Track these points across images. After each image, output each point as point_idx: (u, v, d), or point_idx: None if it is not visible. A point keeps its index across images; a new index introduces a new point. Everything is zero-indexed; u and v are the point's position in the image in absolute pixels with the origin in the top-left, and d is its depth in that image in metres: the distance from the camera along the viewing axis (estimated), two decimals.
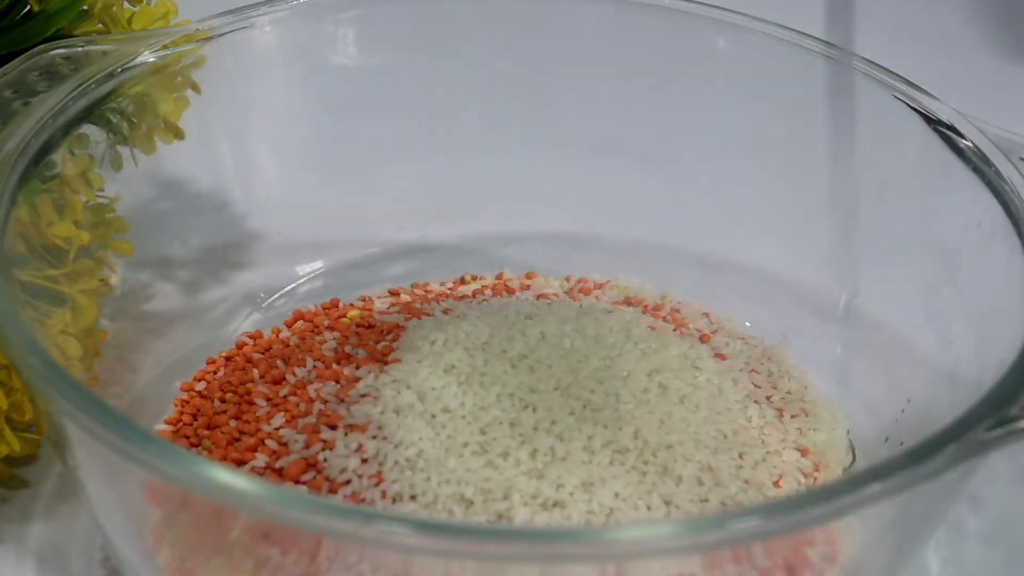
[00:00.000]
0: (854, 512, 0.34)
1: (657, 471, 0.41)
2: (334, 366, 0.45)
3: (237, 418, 0.44)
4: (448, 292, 0.52)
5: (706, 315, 0.51)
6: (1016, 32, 0.73)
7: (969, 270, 0.44)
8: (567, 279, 0.53)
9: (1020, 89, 0.69)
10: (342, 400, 0.43)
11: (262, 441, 0.42)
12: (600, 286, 0.53)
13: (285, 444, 0.42)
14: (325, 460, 0.41)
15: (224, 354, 0.48)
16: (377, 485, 0.40)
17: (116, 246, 0.46)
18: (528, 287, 0.53)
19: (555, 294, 0.52)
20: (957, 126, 0.45)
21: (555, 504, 0.39)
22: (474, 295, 0.51)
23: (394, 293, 0.52)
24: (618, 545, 0.32)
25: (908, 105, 0.47)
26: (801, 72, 0.49)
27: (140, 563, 0.38)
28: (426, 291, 0.52)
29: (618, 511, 0.39)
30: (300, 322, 0.50)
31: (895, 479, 0.33)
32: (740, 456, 0.42)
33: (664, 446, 0.41)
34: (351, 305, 0.51)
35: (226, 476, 0.32)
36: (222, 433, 0.43)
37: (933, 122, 0.46)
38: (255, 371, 0.46)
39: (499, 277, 0.53)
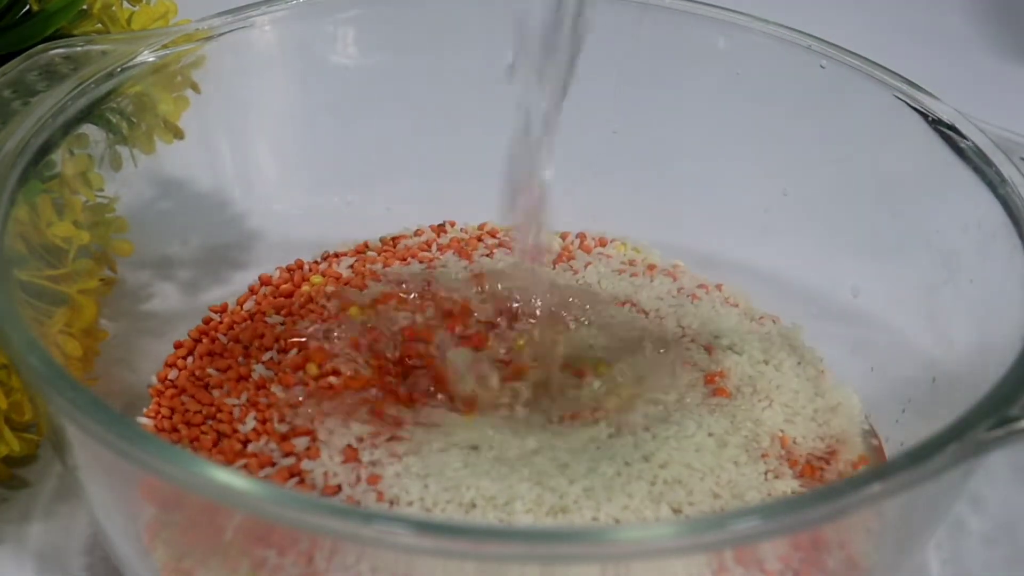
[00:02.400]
0: (854, 512, 0.34)
1: (667, 482, 0.41)
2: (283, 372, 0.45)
3: (212, 417, 0.44)
4: (420, 250, 0.52)
5: (719, 287, 0.51)
6: (1016, 32, 0.73)
7: (969, 270, 0.44)
8: (563, 236, 0.53)
9: (1020, 89, 0.68)
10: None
11: (244, 444, 0.42)
12: (603, 243, 0.53)
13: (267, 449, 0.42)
14: (311, 469, 0.41)
15: (192, 333, 0.48)
16: (372, 486, 0.40)
17: (116, 246, 0.46)
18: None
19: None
20: (957, 126, 0.45)
21: (560, 511, 0.39)
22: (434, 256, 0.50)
23: (360, 250, 0.52)
24: (618, 545, 0.32)
25: (908, 105, 0.47)
26: (801, 72, 0.49)
27: (139, 564, 0.38)
28: (395, 245, 0.52)
29: (624, 520, 0.39)
30: (265, 288, 0.50)
31: (895, 479, 0.33)
32: (763, 464, 0.42)
33: (682, 464, 0.41)
34: (315, 263, 0.51)
35: (226, 476, 0.32)
36: (201, 432, 0.43)
37: (933, 122, 0.46)
38: (213, 370, 0.46)
39: (481, 227, 0.53)
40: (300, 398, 0.43)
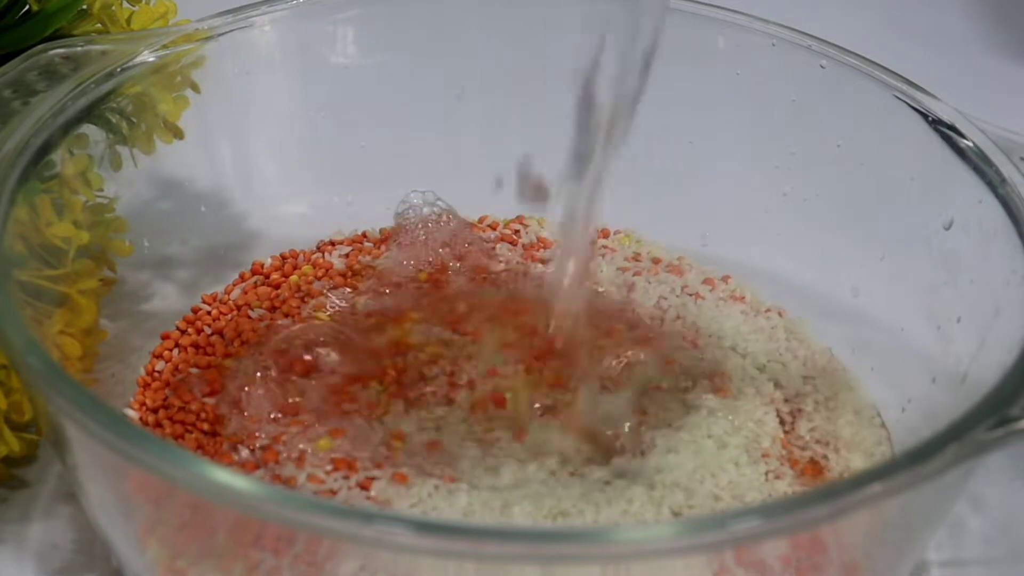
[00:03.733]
0: (854, 512, 0.34)
1: (667, 485, 0.40)
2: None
3: (196, 416, 0.44)
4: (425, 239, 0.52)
5: (725, 279, 0.51)
6: (1016, 32, 0.73)
7: (969, 270, 0.44)
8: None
9: (1020, 89, 0.68)
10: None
11: (235, 446, 0.42)
12: (605, 234, 0.53)
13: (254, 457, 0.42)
14: (295, 476, 0.41)
15: (180, 324, 0.48)
16: (365, 491, 0.40)
17: (116, 246, 0.46)
18: (517, 232, 0.53)
19: (551, 237, 0.52)
20: (957, 126, 0.45)
21: (559, 514, 0.39)
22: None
23: (357, 240, 0.52)
24: (618, 546, 0.32)
25: (908, 105, 0.47)
26: (801, 72, 0.49)
27: (139, 563, 0.38)
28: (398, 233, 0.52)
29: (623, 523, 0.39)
30: (256, 277, 0.50)
31: (895, 479, 0.33)
32: (763, 464, 0.42)
33: (681, 466, 0.41)
34: (308, 253, 0.52)
35: (226, 476, 0.32)
36: (186, 430, 0.43)
37: (933, 122, 0.46)
38: (194, 369, 0.46)
39: (481, 220, 0.53)
40: (280, 414, 0.43)
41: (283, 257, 0.51)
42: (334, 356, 0.45)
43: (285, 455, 0.41)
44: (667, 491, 0.40)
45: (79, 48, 0.45)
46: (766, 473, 0.42)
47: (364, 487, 0.40)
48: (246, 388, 0.44)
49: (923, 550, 0.43)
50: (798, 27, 0.50)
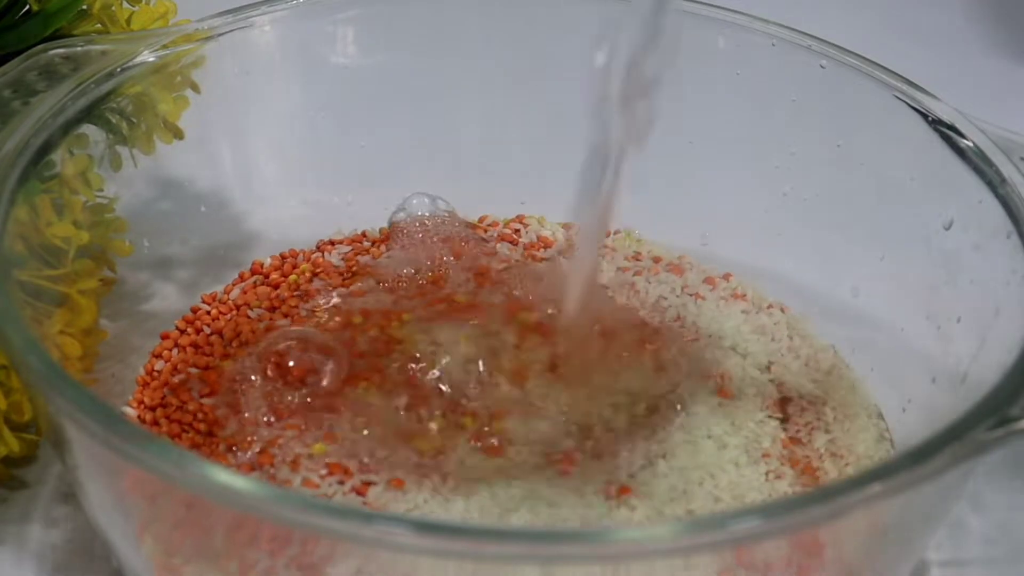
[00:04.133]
0: (854, 512, 0.34)
1: (667, 487, 0.40)
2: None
3: (194, 417, 0.44)
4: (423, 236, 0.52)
5: (727, 277, 0.51)
6: (1016, 32, 0.73)
7: (969, 270, 0.44)
8: (565, 225, 0.53)
9: (1020, 89, 0.68)
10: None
11: (230, 448, 0.42)
12: (606, 233, 0.53)
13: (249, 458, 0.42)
14: (291, 479, 0.41)
15: (179, 324, 0.48)
16: (361, 496, 0.40)
17: (115, 246, 0.46)
18: (518, 231, 0.53)
19: (551, 236, 0.52)
20: (957, 126, 0.45)
21: (559, 522, 0.39)
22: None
23: (357, 240, 0.52)
24: (618, 545, 0.32)
25: (908, 105, 0.47)
26: (801, 72, 0.49)
27: (140, 563, 0.38)
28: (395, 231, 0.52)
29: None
30: (256, 277, 0.50)
31: (895, 479, 0.33)
32: (764, 466, 0.42)
33: (680, 468, 0.41)
34: (308, 252, 0.52)
35: (226, 476, 0.32)
36: (183, 430, 0.44)
37: (933, 122, 0.46)
38: (193, 368, 0.46)
39: (481, 220, 0.53)
40: (274, 418, 0.43)
41: (283, 257, 0.51)
42: (331, 358, 0.45)
43: (280, 459, 0.41)
44: (667, 492, 0.40)
45: (79, 48, 0.45)
46: (766, 473, 0.42)
47: (360, 492, 0.40)
48: (243, 390, 0.44)
49: (923, 550, 0.43)
50: (798, 27, 0.50)
